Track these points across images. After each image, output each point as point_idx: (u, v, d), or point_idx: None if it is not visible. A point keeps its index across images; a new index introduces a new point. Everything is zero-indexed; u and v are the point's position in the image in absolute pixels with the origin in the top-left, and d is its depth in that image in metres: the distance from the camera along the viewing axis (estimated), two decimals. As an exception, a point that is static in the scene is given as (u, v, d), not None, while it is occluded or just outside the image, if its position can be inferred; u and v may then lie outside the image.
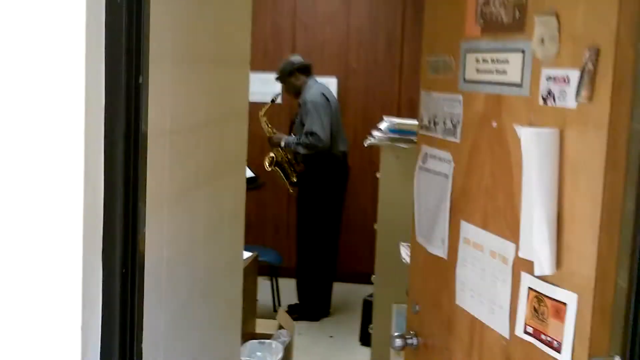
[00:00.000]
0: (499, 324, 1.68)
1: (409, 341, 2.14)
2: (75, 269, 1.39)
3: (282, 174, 5.71)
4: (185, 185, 2.43)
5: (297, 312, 5.45)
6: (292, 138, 5.57)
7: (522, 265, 1.59)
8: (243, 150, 3.48)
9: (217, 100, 2.86)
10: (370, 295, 4.76)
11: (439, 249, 2.01)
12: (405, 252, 3.82)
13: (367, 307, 4.91)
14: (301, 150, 5.51)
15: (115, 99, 1.46)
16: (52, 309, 1.43)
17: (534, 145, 1.51)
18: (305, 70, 5.67)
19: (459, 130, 1.94)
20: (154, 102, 1.87)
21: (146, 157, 1.59)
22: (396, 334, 2.16)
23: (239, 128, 3.34)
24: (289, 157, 5.69)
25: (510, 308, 1.64)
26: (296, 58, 5.76)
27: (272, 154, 5.70)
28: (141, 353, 1.59)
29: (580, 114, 1.43)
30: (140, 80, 1.49)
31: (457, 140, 1.94)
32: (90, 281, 1.45)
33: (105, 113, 1.46)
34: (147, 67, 1.53)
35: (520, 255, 1.59)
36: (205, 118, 2.69)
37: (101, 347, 1.49)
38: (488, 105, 1.78)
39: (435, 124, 2.09)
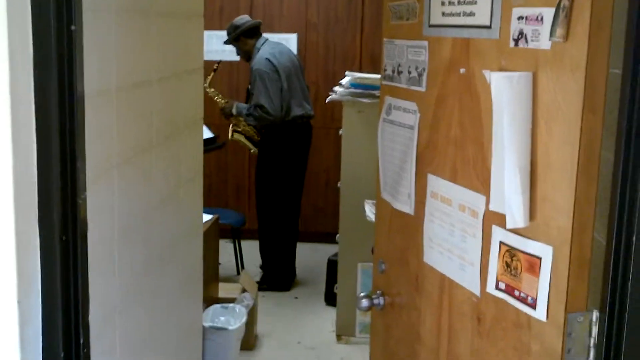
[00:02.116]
0: (469, 281, 1.60)
1: (375, 301, 2.06)
2: (8, 236, 1.27)
3: (246, 141, 5.51)
4: (137, 146, 2.30)
5: (266, 282, 5.34)
6: (243, 107, 5.32)
7: (493, 219, 1.50)
8: (199, 108, 3.34)
9: (169, 55, 2.71)
10: (335, 255, 4.69)
11: (406, 205, 1.91)
12: (370, 210, 3.73)
13: (332, 267, 4.83)
14: (251, 121, 5.29)
15: (45, 50, 1.33)
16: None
17: (505, 91, 1.41)
18: (252, 32, 5.31)
19: (424, 78, 1.84)
20: (95, 55, 1.73)
21: (84, 116, 1.46)
22: (362, 294, 2.07)
23: (194, 85, 3.19)
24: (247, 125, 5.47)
25: (481, 264, 1.56)
26: (241, 20, 5.36)
27: (231, 125, 5.48)
28: (88, 326, 1.47)
29: (555, 54, 1.33)
30: (73, 28, 1.34)
31: (423, 90, 1.84)
32: (25, 250, 1.32)
33: (34, 66, 1.32)
34: (80, 13, 1.38)
35: (491, 208, 1.50)
36: (157, 74, 2.54)
37: (43, 322, 1.37)
38: (455, 51, 1.67)
39: (399, 73, 1.98)
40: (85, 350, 1.42)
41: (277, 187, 5.29)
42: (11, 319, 1.31)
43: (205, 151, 5.20)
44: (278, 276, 5.39)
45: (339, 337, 4.49)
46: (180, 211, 2.95)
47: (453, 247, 1.67)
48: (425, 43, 1.81)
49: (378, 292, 2.08)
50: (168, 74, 2.69)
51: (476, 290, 1.57)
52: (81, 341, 1.40)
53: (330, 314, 4.71)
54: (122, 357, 2.18)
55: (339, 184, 4.49)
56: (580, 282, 1.32)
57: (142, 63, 2.32)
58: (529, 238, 1.39)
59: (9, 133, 1.26)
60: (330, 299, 4.91)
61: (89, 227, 1.70)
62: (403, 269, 1.94)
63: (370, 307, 2.06)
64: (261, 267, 5.45)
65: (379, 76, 2.15)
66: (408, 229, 1.90)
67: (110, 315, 2.04)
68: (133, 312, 2.28)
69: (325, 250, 5.31)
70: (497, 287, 1.49)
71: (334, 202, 4.84)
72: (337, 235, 4.48)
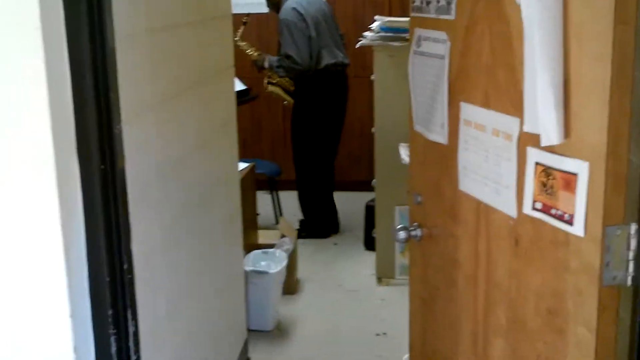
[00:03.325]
0: (506, 204, 1.60)
1: (413, 233, 2.07)
2: (49, 166, 1.30)
3: (281, 93, 5.50)
4: (169, 89, 2.33)
5: (305, 230, 5.38)
6: (274, 59, 5.30)
7: (528, 140, 1.50)
8: (229, 56, 3.35)
9: (195, 1, 2.71)
10: (372, 201, 4.71)
11: (439, 135, 1.91)
12: (404, 153, 3.73)
13: (370, 212, 4.86)
14: (281, 73, 5.27)
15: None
16: (28, 209, 1.35)
17: (534, 9, 1.39)
18: None
19: (453, 6, 1.82)
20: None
21: (114, 50, 1.48)
22: (399, 226, 2.09)
23: (223, 33, 3.20)
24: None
25: (517, 186, 1.55)
26: None
27: (265, 78, 5.47)
28: (130, 253, 1.51)
29: (585, -33, 1.30)
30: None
31: (452, 18, 1.82)
32: (66, 178, 1.36)
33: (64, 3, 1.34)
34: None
35: (525, 129, 1.49)
36: (187, 17, 2.55)
37: (87, 247, 1.42)
38: (484, -26, 1.65)
39: (427, 3, 1.96)
40: (129, 276, 1.46)
41: (313, 137, 5.28)
42: (56, 244, 1.35)
43: (239, 103, 5.23)
44: (317, 224, 5.43)
45: (379, 279, 4.54)
46: (215, 156, 2.98)
47: (488, 173, 1.67)
48: (454, -31, 1.78)
49: (415, 224, 2.09)
50: (196, 19, 2.70)
51: (513, 212, 1.57)
52: (125, 267, 1.44)
53: (370, 258, 4.76)
54: (167, 296, 2.24)
55: (373, 130, 4.48)
56: (617, 197, 1.32)
57: (170, 6, 2.33)
58: (565, 155, 1.38)
59: (44, 68, 1.29)
60: (369, 244, 4.95)
61: (129, 168, 1.74)
62: (439, 199, 1.95)
63: (407, 239, 2.07)
64: (301, 219, 5.49)
65: (408, 19, 2.13)
66: (442, 160, 1.90)
67: (152, 254, 2.09)
68: (174, 253, 2.33)
69: (362, 198, 5.32)
70: (533, 208, 1.49)
71: (369, 150, 4.84)
72: (373, 180, 4.49)
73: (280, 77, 5.40)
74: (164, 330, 2.23)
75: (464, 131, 1.78)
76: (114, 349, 1.51)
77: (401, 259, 4.41)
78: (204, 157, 2.77)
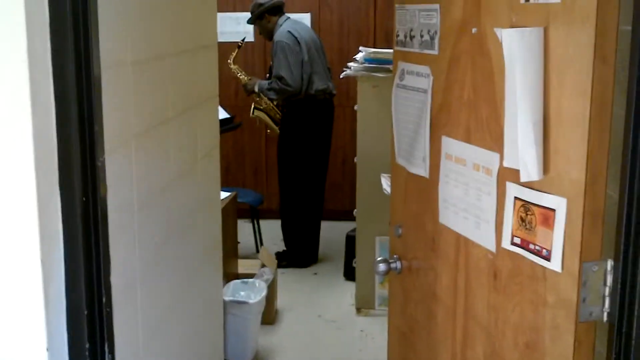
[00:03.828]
0: (485, 238, 1.61)
1: (393, 265, 2.08)
2: (30, 197, 1.30)
3: (267, 119, 5.53)
4: (153, 118, 2.33)
5: (285, 259, 5.37)
6: (265, 83, 5.36)
7: (508, 175, 1.52)
8: (214, 85, 3.36)
9: (183, 30, 2.73)
10: (353, 231, 4.71)
11: (420, 168, 1.93)
12: (386, 183, 3.74)
13: (351, 242, 4.86)
14: (272, 95, 5.31)
15: (61, 16, 1.35)
16: (8, 241, 1.34)
17: (516, 46, 1.42)
18: (276, 10, 5.34)
19: (436, 41, 1.84)
20: (110, 26, 1.76)
21: (100, 81, 1.48)
22: (379, 258, 2.09)
23: (209, 61, 3.22)
24: (271, 103, 5.48)
25: (496, 221, 1.57)
26: None
27: (253, 103, 5.50)
28: (110, 286, 1.50)
29: (565, 7, 1.33)
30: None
31: (435, 53, 1.84)
32: (47, 210, 1.36)
33: (51, 33, 1.35)
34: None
35: (505, 164, 1.51)
36: (172, 48, 2.57)
37: (66, 280, 1.41)
38: (466, 11, 1.68)
39: (411, 38, 1.99)
40: (108, 310, 1.45)
41: (300, 164, 5.31)
42: (35, 277, 1.35)
43: (222, 131, 5.24)
44: (299, 254, 5.43)
45: (358, 310, 4.53)
46: (198, 185, 2.98)
47: (468, 207, 1.69)
48: (437, 6, 1.81)
49: (395, 256, 2.10)
50: (182, 49, 2.72)
51: (492, 246, 1.59)
52: (104, 300, 1.43)
53: (350, 288, 4.75)
54: (144, 327, 2.22)
55: (355, 159, 4.50)
56: (594, 233, 1.33)
57: (157, 36, 2.35)
58: (543, 191, 1.40)
59: (29, 98, 1.29)
60: (349, 274, 4.95)
61: (110, 198, 1.74)
62: (419, 232, 1.96)
63: (387, 271, 2.08)
64: (282, 251, 5.49)
65: (392, 51, 2.16)
66: (423, 192, 1.92)
67: (132, 283, 2.08)
68: (154, 283, 2.32)
69: (343, 228, 5.33)
70: (512, 242, 1.51)
71: (350, 180, 4.86)
72: (355, 210, 4.50)
73: (270, 99, 5.43)
74: (142, 357, 2.20)
75: (445, 165, 1.80)
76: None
77: (381, 290, 4.41)
78: (187, 186, 2.76)
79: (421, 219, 1.95)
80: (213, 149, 3.32)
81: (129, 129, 2.06)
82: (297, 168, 5.32)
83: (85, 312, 1.40)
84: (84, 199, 1.38)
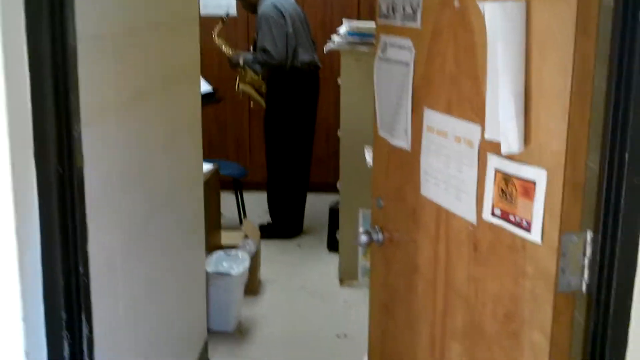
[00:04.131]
0: (466, 210, 1.62)
1: (374, 237, 2.09)
2: (4, 168, 1.29)
3: (253, 92, 5.49)
4: (134, 91, 2.31)
5: (270, 231, 5.38)
6: (250, 56, 5.32)
7: (489, 148, 1.52)
8: (196, 58, 3.34)
9: (164, 3, 2.71)
10: (337, 203, 4.72)
11: (402, 140, 1.93)
12: (370, 156, 3.74)
13: (334, 214, 4.87)
14: (257, 68, 5.29)
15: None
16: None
17: (498, 19, 1.42)
18: None
19: (419, 14, 1.83)
20: (88, 1, 1.74)
21: (75, 51, 1.47)
22: (361, 229, 2.10)
23: (191, 34, 3.19)
24: (256, 76, 5.44)
25: (477, 193, 1.58)
26: None
27: (238, 76, 5.46)
28: (87, 255, 1.50)
29: (547, -21, 1.33)
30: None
31: (418, 26, 1.84)
32: (22, 181, 1.35)
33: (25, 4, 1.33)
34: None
35: (487, 136, 1.51)
36: (153, 21, 2.54)
37: (42, 250, 1.40)
38: (449, -17, 1.67)
39: (394, 11, 1.98)
40: (85, 280, 1.45)
41: (287, 136, 5.31)
42: (10, 248, 1.34)
43: (205, 105, 5.20)
44: (283, 226, 5.44)
45: (341, 281, 4.56)
46: (180, 158, 2.97)
47: (449, 178, 1.69)
48: (420, -23, 1.80)
49: (377, 228, 2.11)
50: (163, 22, 2.69)
51: (472, 218, 1.60)
52: (81, 270, 1.43)
53: (333, 260, 4.77)
54: (126, 298, 2.22)
55: (338, 132, 4.50)
56: (574, 204, 1.34)
57: (138, 9, 2.32)
58: (524, 163, 1.41)
59: (2, 68, 1.28)
60: (333, 246, 4.96)
61: (89, 171, 1.73)
62: (401, 204, 1.97)
63: (369, 243, 2.09)
64: (269, 218, 5.49)
65: (374, 25, 2.15)
66: (405, 165, 1.92)
67: (112, 255, 2.08)
68: (136, 255, 2.32)
69: (327, 200, 5.34)
70: (492, 214, 1.52)
71: (334, 153, 4.86)
72: (338, 182, 4.51)
73: (255, 72, 5.40)
74: (122, 332, 2.21)
75: (426, 137, 1.80)
76: (66, 352, 1.49)
77: (364, 262, 4.43)
78: (168, 159, 2.75)
79: (403, 191, 1.95)
80: (195, 122, 3.31)
81: (108, 102, 2.05)
82: (283, 140, 5.32)
83: (62, 283, 1.40)
84: (60, 169, 1.37)
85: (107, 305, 2.05)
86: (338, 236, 4.56)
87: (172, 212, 2.80)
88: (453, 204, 1.69)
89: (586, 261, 1.34)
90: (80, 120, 1.45)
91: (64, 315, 1.45)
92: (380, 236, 2.08)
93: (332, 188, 4.86)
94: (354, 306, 4.23)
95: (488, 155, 1.52)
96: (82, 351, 1.51)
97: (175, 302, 2.91)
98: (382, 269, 2.14)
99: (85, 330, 1.50)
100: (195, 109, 3.33)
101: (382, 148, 2.09)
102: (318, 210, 5.65)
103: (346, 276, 4.54)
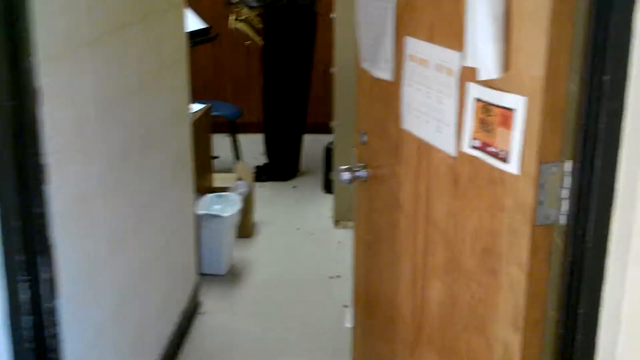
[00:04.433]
0: (446, 142, 1.55)
1: (358, 173, 2.02)
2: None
3: (249, 30, 5.37)
4: (110, 24, 2.22)
5: (266, 173, 5.32)
6: None
7: (469, 76, 1.44)
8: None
9: None
10: (332, 143, 4.65)
11: (384, 71, 1.85)
12: (361, 93, 3.66)
13: (329, 154, 4.81)
14: (253, 3, 5.17)
15: None
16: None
17: (477, -64, 1.33)
18: None
19: (401, -63, 1.73)
20: None
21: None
22: (343, 167, 2.04)
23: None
24: (252, 13, 5.31)
25: (457, 124, 1.50)
26: None
27: (234, 14, 5.32)
28: (43, 196, 1.44)
29: None
30: None
31: (399, -52, 1.74)
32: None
33: None
34: None
35: (467, 64, 1.43)
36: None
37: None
38: None
39: None
40: (42, 221, 1.40)
41: (285, 74, 5.21)
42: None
43: (198, 42, 5.08)
44: (281, 167, 5.38)
45: (336, 222, 4.51)
46: (163, 97, 2.89)
47: (430, 110, 1.62)
48: None
49: (360, 164, 2.04)
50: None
51: (452, 151, 1.53)
52: (37, 210, 1.37)
53: (328, 201, 4.72)
54: (106, 240, 2.17)
55: (332, 70, 4.40)
56: (553, 133, 1.27)
57: None
58: (503, 91, 1.33)
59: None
60: (328, 187, 4.91)
61: (59, 106, 1.66)
62: (384, 138, 1.90)
63: (351, 180, 2.02)
64: (265, 160, 5.43)
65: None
66: (387, 97, 1.85)
67: (88, 195, 2.02)
68: (116, 194, 2.26)
69: (323, 141, 5.26)
70: (472, 146, 1.45)
71: (327, 90, 4.76)
72: (332, 122, 4.42)
73: (252, 8, 5.26)
74: (103, 273, 2.17)
75: (408, 67, 1.72)
76: (25, 296, 1.45)
77: (359, 202, 4.38)
78: (150, 97, 2.68)
79: (385, 125, 1.88)
80: (180, 59, 3.21)
81: (79, 35, 1.96)
82: (281, 78, 5.23)
83: (19, 223, 1.34)
84: (12, 102, 1.29)
85: (85, 245, 2.00)
86: (332, 177, 4.50)
87: (156, 152, 2.74)
88: (433, 136, 1.61)
89: (565, 192, 1.27)
90: (31, 51, 1.38)
91: (21, 257, 1.40)
92: (363, 173, 2.02)
93: (328, 129, 4.77)
94: (347, 247, 4.18)
95: (468, 84, 1.45)
96: (41, 295, 1.46)
97: (162, 244, 2.87)
98: (366, 207, 2.08)
99: (44, 274, 1.45)
100: (181, 45, 3.23)
101: (365, 80, 2.01)
102: (314, 151, 5.57)
103: (341, 217, 4.50)
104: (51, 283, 1.50)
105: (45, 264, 1.46)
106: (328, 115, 4.91)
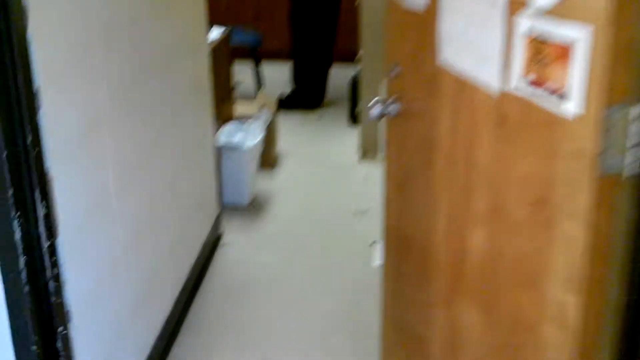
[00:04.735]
0: (490, 77, 1.38)
1: (389, 108, 1.86)
2: None
3: None
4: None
5: (291, 101, 5.15)
6: None
7: (518, 3, 1.27)
8: None
9: None
10: (358, 74, 4.45)
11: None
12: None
13: (355, 86, 4.62)
14: None
15: None
16: None
17: None
18: None
19: None
20: None
21: None
22: (373, 100, 1.87)
23: None
24: None
25: (504, 57, 1.33)
26: None
27: None
28: (37, 124, 1.30)
29: None
30: None
31: None
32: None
33: None
34: None
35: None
36: None
37: None
38: None
39: None
40: (37, 149, 1.26)
41: (313, 7, 4.99)
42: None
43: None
44: (308, 95, 5.20)
45: (362, 155, 4.36)
46: (176, 20, 2.71)
47: (471, 42, 1.44)
48: None
49: (391, 98, 1.88)
50: None
51: (497, 87, 1.36)
52: (28, 139, 1.24)
53: (354, 133, 4.56)
54: (117, 170, 2.05)
55: (357, 2, 4.18)
56: (621, 71, 1.10)
57: None
58: (562, 19, 1.16)
59: None
60: (354, 119, 4.75)
61: (59, 29, 1.52)
62: (417, 72, 1.73)
63: (382, 115, 1.86)
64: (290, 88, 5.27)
65: None
66: (422, 28, 1.67)
67: (95, 123, 1.87)
68: (127, 123, 2.12)
69: (347, 71, 5.06)
70: (521, 83, 1.28)
71: (353, 19, 4.54)
72: (359, 52, 4.22)
73: None
74: (115, 205, 2.05)
75: (447, -8, 1.54)
76: (18, 235, 1.33)
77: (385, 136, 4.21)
78: (162, 21, 2.50)
79: (420, 57, 1.70)
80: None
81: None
82: (308, 5, 5.00)
83: (4, 154, 1.21)
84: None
85: (92, 176, 1.87)
86: (359, 109, 4.32)
87: (170, 79, 2.58)
88: (475, 70, 1.44)
89: (633, 140, 1.11)
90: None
91: (9, 192, 1.27)
92: (394, 107, 1.85)
93: (352, 58, 4.57)
94: (373, 181, 4.05)
95: (518, 13, 1.27)
96: (38, 233, 1.34)
97: (179, 174, 2.75)
98: (398, 143, 1.92)
99: (41, 210, 1.32)
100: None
101: (396, 10, 1.82)
102: (339, 82, 5.38)
103: (366, 151, 4.34)
104: (48, 219, 1.37)
105: (41, 199, 1.33)
106: (354, 45, 4.71)
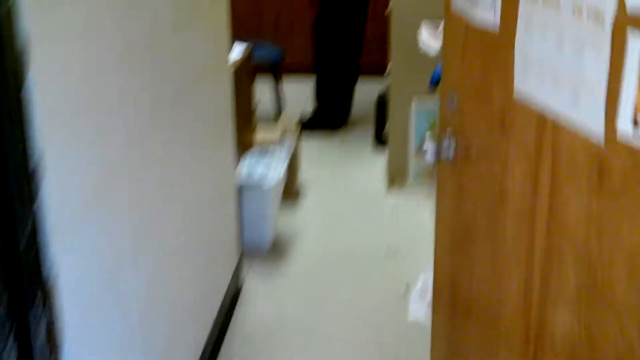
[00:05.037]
0: (588, 117, 1.08)
1: (448, 149, 1.55)
2: None
3: None
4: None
5: (313, 121, 4.86)
6: None
7: (629, 22, 0.97)
8: None
9: None
10: (385, 92, 4.16)
11: (489, 13, 1.37)
12: (427, 35, 3.17)
13: (382, 104, 4.33)
14: None
15: None
16: None
17: None
18: None
19: None
20: None
21: None
22: (428, 135, 1.57)
23: None
24: None
25: (608, 92, 1.03)
26: None
27: None
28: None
29: None
30: None
31: None
32: None
33: None
34: None
35: (629, 4, 0.96)
36: None
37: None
38: None
39: None
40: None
41: (338, 9, 4.72)
42: None
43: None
44: (330, 114, 4.91)
45: (390, 183, 4.03)
46: (200, 40, 2.44)
47: (562, 70, 1.15)
48: None
49: (447, 134, 1.58)
50: None
51: (599, 130, 1.06)
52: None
53: (380, 159, 4.24)
54: (132, 226, 1.75)
55: (388, 10, 3.90)
56: None
57: None
58: None
59: None
60: (379, 141, 4.45)
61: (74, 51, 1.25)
62: (484, 103, 1.43)
63: (439, 157, 1.56)
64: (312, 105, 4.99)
65: None
66: (491, 49, 1.38)
67: (109, 176, 1.59)
68: (144, 168, 1.83)
69: (374, 88, 4.76)
70: (635, 124, 0.98)
71: (382, 31, 4.26)
72: (389, 65, 3.92)
73: None
74: (128, 276, 1.74)
75: (526, 9, 1.24)
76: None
77: (416, 162, 3.89)
78: (185, 41, 2.23)
79: (486, 86, 1.41)
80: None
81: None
82: (334, 13, 4.71)
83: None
84: None
85: (99, 248, 1.58)
86: (386, 132, 4.01)
87: (190, 109, 2.29)
88: (567, 107, 1.14)
89: None
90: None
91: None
92: (451, 147, 1.55)
93: (380, 73, 4.27)
94: (403, 214, 3.72)
95: (629, 34, 0.97)
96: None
97: (201, 220, 2.45)
98: (453, 189, 1.62)
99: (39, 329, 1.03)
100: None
101: (457, 26, 1.53)
102: (364, 99, 5.06)
103: (394, 178, 4.01)
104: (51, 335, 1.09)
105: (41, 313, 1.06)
106: (382, 57, 4.41)
